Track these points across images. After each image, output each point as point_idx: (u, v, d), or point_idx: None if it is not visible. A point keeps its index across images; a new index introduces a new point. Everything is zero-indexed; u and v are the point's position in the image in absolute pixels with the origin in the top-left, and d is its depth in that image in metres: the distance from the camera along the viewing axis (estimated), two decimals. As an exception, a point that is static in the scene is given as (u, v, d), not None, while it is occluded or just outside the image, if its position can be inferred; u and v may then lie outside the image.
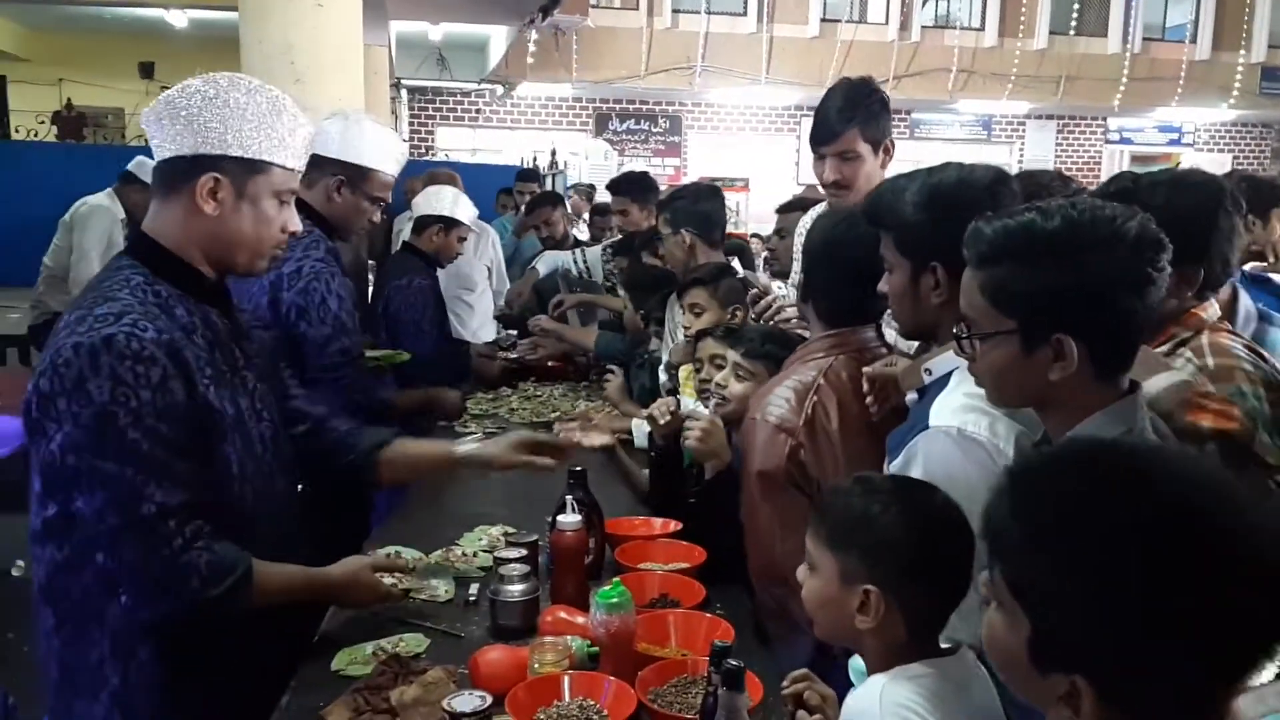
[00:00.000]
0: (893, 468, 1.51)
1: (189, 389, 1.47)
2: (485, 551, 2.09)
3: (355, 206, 2.54)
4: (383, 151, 2.54)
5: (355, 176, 2.51)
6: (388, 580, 1.84)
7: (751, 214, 11.96)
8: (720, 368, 2.27)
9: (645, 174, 4.54)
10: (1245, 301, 2.10)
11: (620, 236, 4.44)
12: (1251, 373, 1.55)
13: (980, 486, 1.34)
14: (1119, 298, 1.21)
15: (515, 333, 4.43)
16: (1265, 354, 1.66)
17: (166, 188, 1.55)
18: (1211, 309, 1.65)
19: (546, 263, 4.79)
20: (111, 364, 1.38)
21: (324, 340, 2.34)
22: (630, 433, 2.83)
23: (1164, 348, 1.60)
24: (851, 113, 2.25)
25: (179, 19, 9.12)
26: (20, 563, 3.77)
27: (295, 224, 1.63)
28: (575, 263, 4.68)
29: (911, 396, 1.62)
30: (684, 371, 2.99)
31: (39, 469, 1.46)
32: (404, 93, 12.54)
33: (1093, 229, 1.21)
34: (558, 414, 3.39)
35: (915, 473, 1.43)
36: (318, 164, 2.46)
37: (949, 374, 1.51)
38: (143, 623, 1.47)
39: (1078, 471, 0.85)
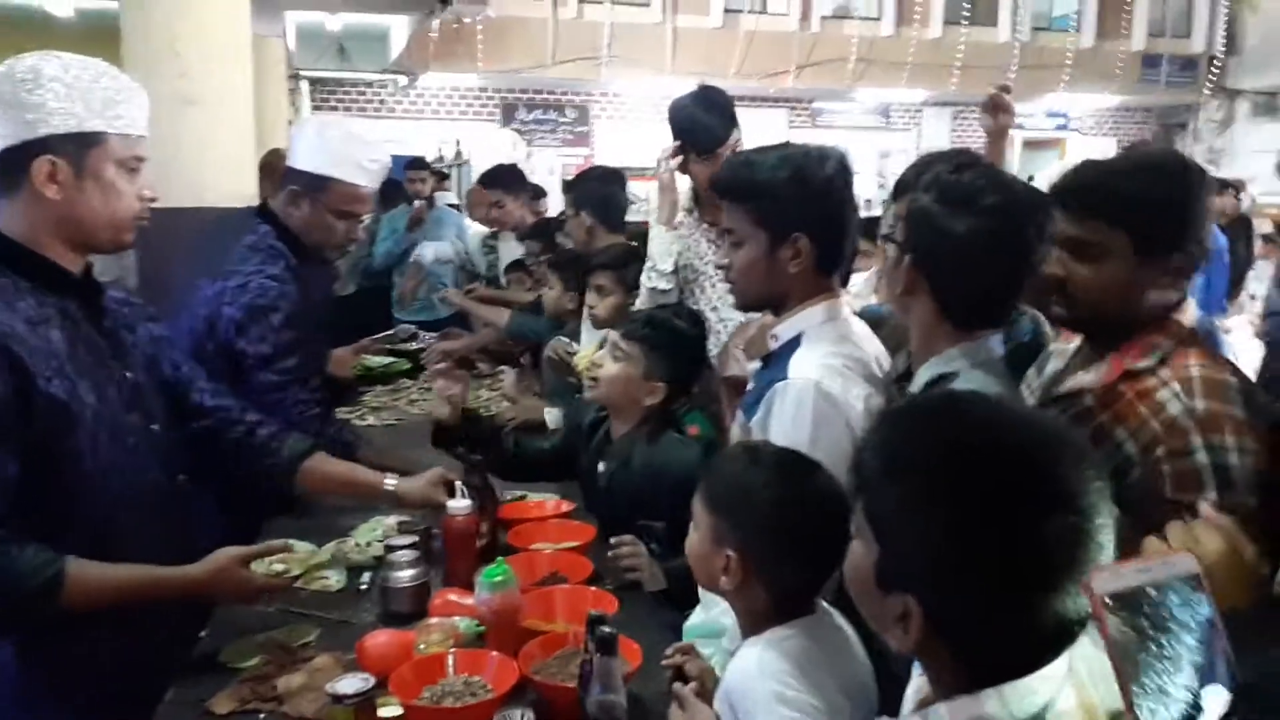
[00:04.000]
0: (754, 423, 1.58)
1: (21, 384, 1.43)
2: (379, 542, 2.10)
3: (318, 221, 2.27)
4: (343, 158, 2.23)
5: (310, 186, 2.24)
6: (278, 567, 1.83)
7: (660, 203, 12.01)
8: None
9: (514, 166, 4.62)
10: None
11: (495, 229, 4.58)
12: (1241, 421, 1.34)
13: (822, 437, 1.45)
14: (990, 260, 1.39)
15: (413, 326, 4.43)
16: (1259, 393, 1.43)
17: (4, 182, 1.51)
18: (1190, 310, 1.47)
19: (430, 253, 4.85)
20: None
21: (264, 359, 2.17)
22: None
23: (1146, 360, 1.42)
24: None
25: (62, 8, 8.77)
26: None
27: (150, 190, 1.60)
28: (457, 253, 4.75)
29: (755, 365, 1.70)
30: (583, 360, 3.05)
31: None
32: (304, 85, 12.24)
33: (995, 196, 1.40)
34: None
35: (773, 421, 1.52)
36: (285, 175, 2.33)
37: (795, 340, 1.60)
38: None
39: (929, 414, 0.96)
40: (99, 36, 7.45)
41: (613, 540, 1.91)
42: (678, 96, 2.65)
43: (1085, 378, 1.49)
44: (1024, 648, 0.86)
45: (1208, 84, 14.84)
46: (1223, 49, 14.74)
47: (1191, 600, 0.70)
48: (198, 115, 3.93)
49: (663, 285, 2.57)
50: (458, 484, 1.95)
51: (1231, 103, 14.99)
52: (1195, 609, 0.70)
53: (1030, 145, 14.68)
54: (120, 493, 1.57)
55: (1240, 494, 1.30)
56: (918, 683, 1.03)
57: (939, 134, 14.68)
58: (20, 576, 1.41)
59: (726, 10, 13.30)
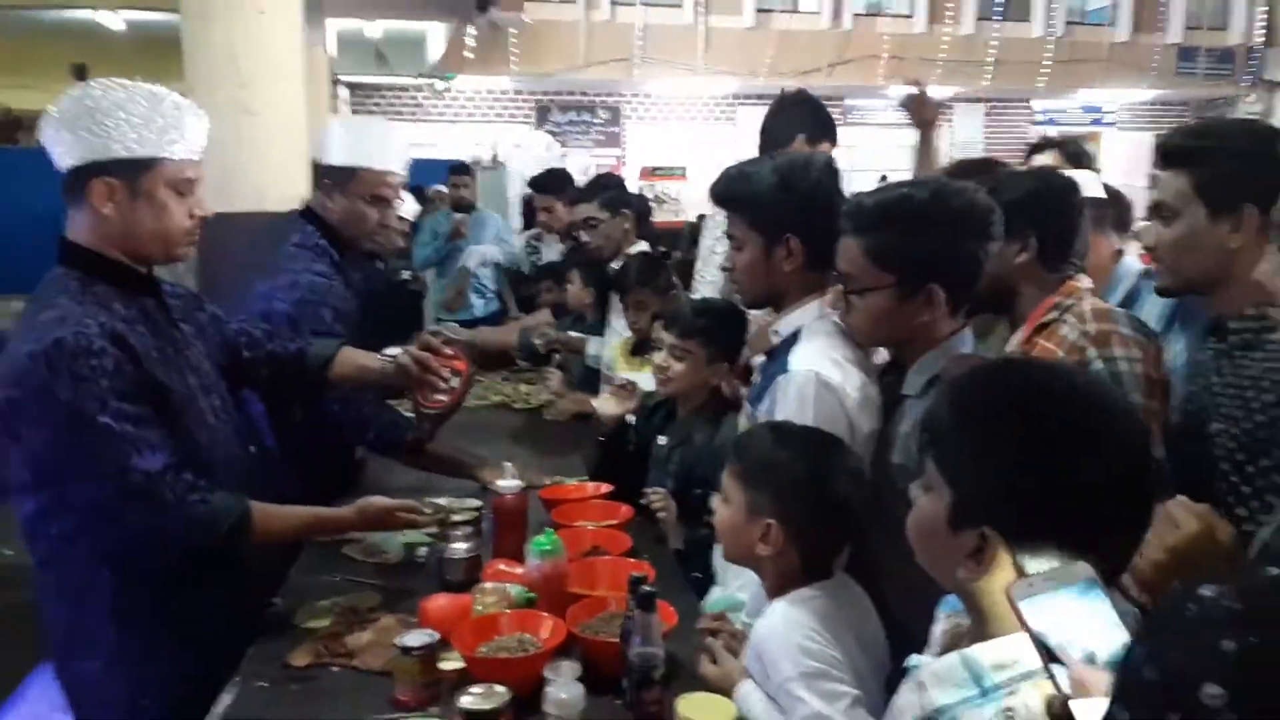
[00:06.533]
0: (761, 413, 1.72)
1: (139, 370, 1.61)
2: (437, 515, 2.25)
3: (351, 210, 2.39)
4: (365, 146, 2.39)
5: (340, 178, 2.38)
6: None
7: (689, 202, 12.19)
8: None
9: (564, 170, 4.76)
10: (1129, 261, 2.34)
11: (539, 231, 4.75)
12: (1128, 336, 1.68)
13: (823, 424, 1.59)
14: (973, 252, 1.55)
15: (456, 324, 4.62)
16: (1140, 320, 1.80)
17: (71, 196, 1.66)
18: (1085, 280, 1.81)
19: (475, 257, 5.02)
20: (67, 364, 1.52)
21: None
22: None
23: (1051, 314, 1.74)
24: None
25: (113, 21, 9.06)
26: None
27: (202, 208, 1.72)
28: (505, 254, 4.94)
29: (759, 359, 1.85)
30: (614, 350, 3.22)
31: (27, 464, 1.60)
32: (342, 90, 12.53)
33: (955, 200, 1.55)
34: (500, 397, 3.58)
35: (778, 411, 1.66)
36: (319, 173, 2.47)
37: (795, 334, 1.74)
38: (147, 578, 1.65)
39: (994, 376, 1.08)
40: (151, 47, 7.72)
41: (647, 489, 2.13)
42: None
43: (1010, 348, 1.77)
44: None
45: (1245, 76, 14.69)
46: (1261, 40, 14.59)
47: (1089, 595, 0.80)
48: (255, 124, 4.12)
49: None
50: (506, 465, 2.10)
51: (1270, 95, 14.82)
52: (1094, 603, 0.80)
53: (1065, 140, 14.62)
54: (214, 469, 1.73)
55: (1131, 394, 1.60)
56: (945, 624, 1.15)
57: (971, 130, 14.67)
58: (219, 516, 1.66)
59: (758, 10, 13.40)
